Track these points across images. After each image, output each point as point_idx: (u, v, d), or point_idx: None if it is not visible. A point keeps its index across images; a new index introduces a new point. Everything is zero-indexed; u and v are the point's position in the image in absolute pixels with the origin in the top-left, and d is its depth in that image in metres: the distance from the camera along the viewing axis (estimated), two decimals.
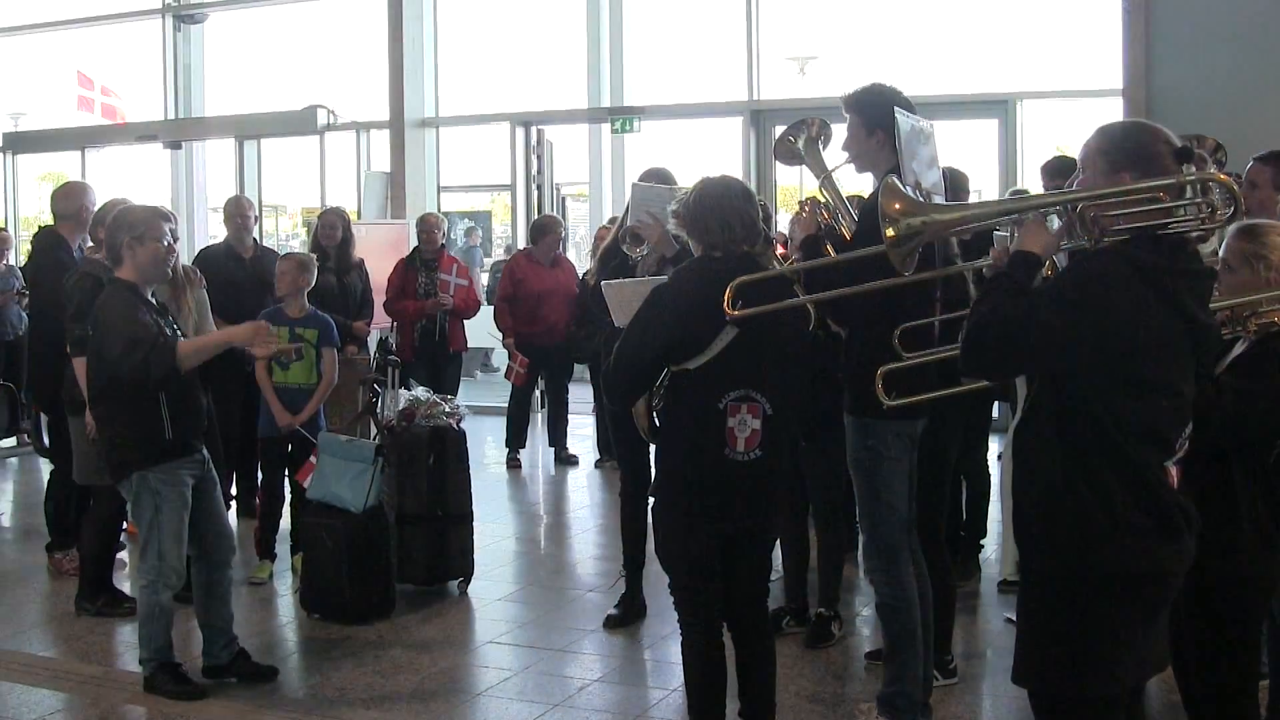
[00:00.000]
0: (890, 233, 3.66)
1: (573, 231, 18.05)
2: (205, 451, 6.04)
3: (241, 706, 5.87)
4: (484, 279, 17.17)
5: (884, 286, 4.47)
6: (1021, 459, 3.53)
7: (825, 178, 5.54)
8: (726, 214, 4.69)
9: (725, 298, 4.41)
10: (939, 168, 5.07)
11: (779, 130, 6.01)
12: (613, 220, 9.68)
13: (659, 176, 6.55)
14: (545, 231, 11.58)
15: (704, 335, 4.55)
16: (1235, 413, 4.06)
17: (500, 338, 11.50)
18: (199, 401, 6.02)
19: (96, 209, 7.58)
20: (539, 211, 14.51)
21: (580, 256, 15.65)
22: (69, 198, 8.01)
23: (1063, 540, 3.38)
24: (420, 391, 7.88)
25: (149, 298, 5.91)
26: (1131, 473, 3.34)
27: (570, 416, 12.03)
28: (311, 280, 8.04)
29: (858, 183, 5.76)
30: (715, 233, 4.71)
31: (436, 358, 11.01)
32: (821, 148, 5.67)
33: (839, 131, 5.39)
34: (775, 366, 4.65)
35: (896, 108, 4.84)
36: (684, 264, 5.03)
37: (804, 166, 5.75)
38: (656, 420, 4.86)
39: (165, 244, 5.86)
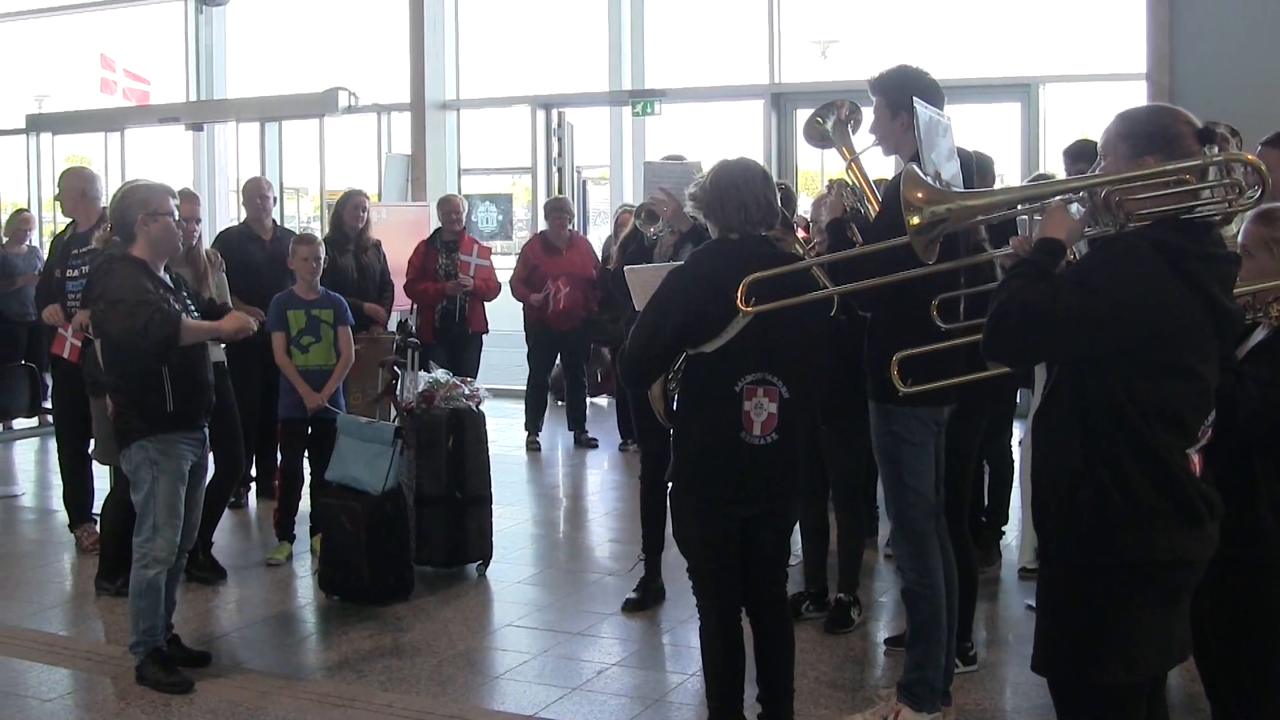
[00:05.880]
0: (914, 220, 3.63)
1: (593, 215, 18.00)
2: (206, 432, 6.06)
3: (259, 687, 5.87)
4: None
5: (910, 277, 4.43)
6: (1041, 445, 3.48)
7: (852, 160, 5.51)
8: (743, 196, 4.68)
9: (739, 293, 4.38)
10: (957, 160, 5.03)
11: (801, 114, 5.98)
12: (630, 207, 9.70)
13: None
14: (554, 212, 11.70)
15: (720, 318, 4.52)
16: (1262, 405, 4.01)
17: (525, 307, 11.57)
18: (204, 379, 6.03)
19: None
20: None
21: (600, 240, 15.61)
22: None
23: (1082, 527, 3.33)
24: (440, 374, 7.88)
25: (159, 274, 5.93)
26: (1153, 459, 3.29)
27: (590, 400, 12.00)
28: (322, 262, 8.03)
29: (884, 166, 5.74)
30: (732, 214, 4.70)
31: (456, 339, 11.00)
32: (851, 131, 5.64)
33: (869, 115, 5.36)
34: (793, 350, 4.63)
35: (915, 98, 4.80)
36: (700, 246, 5.01)
37: (830, 149, 5.73)
38: (674, 404, 4.85)
39: (176, 218, 5.95)
